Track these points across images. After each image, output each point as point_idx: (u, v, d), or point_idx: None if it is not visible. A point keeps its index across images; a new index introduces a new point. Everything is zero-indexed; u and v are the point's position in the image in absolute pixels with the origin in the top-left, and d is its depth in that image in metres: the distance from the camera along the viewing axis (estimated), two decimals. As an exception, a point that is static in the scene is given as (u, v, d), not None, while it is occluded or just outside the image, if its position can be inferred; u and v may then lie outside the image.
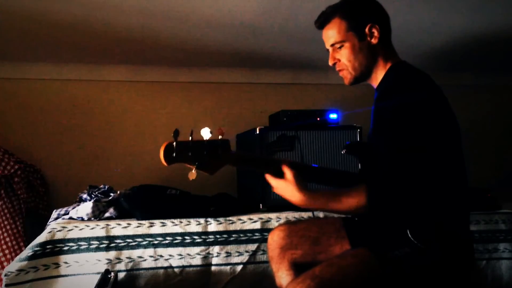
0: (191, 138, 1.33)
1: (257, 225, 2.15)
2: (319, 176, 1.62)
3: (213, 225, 2.12)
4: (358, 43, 1.59)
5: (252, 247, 2.13)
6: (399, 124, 1.41)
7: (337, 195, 1.45)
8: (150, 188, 2.40)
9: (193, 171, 1.35)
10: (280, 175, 1.48)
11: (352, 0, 1.65)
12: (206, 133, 1.35)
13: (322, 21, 1.66)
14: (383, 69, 1.61)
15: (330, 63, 1.66)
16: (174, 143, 1.31)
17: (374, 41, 1.59)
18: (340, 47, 1.62)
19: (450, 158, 1.48)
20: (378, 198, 1.40)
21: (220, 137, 1.38)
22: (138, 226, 2.06)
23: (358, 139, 2.48)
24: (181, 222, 2.11)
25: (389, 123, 1.44)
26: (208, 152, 1.35)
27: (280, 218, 2.18)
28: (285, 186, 1.46)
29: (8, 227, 2.61)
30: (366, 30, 1.59)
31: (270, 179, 1.49)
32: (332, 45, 1.63)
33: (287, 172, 1.46)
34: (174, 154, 1.31)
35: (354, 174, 1.77)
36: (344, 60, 1.62)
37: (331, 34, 1.63)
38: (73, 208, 2.27)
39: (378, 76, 1.63)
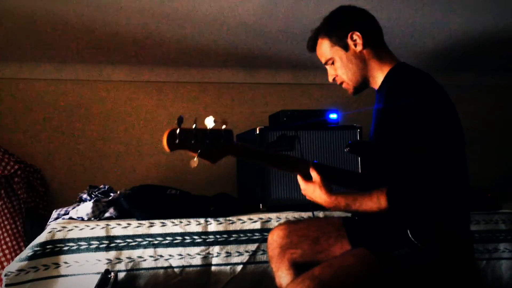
0: (195, 126, 1.33)
1: (257, 225, 2.15)
2: (339, 178, 1.64)
3: (213, 225, 2.12)
4: (345, 55, 1.63)
5: (252, 247, 2.13)
6: (409, 125, 1.42)
7: (359, 198, 1.47)
8: (150, 188, 2.40)
9: (195, 159, 1.35)
10: (307, 176, 1.54)
11: (330, 16, 1.70)
12: (209, 122, 1.35)
13: (311, 45, 1.74)
14: (380, 71, 1.62)
15: (330, 80, 1.72)
16: (178, 130, 1.31)
17: (358, 48, 1.62)
18: (332, 63, 1.68)
19: (453, 158, 1.48)
20: (399, 201, 1.41)
21: (223, 127, 1.38)
22: (138, 226, 2.06)
23: (358, 139, 2.48)
24: (181, 222, 2.11)
25: (398, 124, 1.44)
26: (211, 141, 1.35)
27: (280, 218, 2.18)
28: (313, 189, 1.51)
29: (8, 227, 2.61)
30: (348, 40, 1.62)
31: (300, 182, 1.56)
32: (325, 63, 1.70)
33: (315, 175, 1.51)
34: (177, 141, 1.31)
35: (370, 176, 1.78)
36: (339, 73, 1.67)
37: (320, 54, 1.71)
38: (73, 208, 2.27)
39: (376, 79, 1.63)
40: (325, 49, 1.67)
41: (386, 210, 1.42)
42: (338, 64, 1.65)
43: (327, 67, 1.71)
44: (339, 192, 1.51)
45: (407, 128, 1.42)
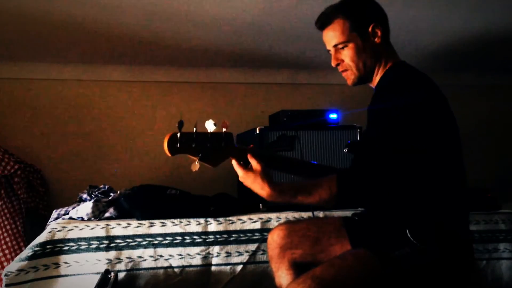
0: (195, 130, 1.33)
1: (257, 225, 2.15)
2: (290, 167, 1.61)
3: (213, 225, 2.12)
4: (362, 43, 1.58)
5: (252, 247, 2.13)
6: (394, 124, 1.41)
7: (307, 187, 1.41)
8: (150, 188, 2.40)
9: (196, 162, 1.35)
10: (247, 164, 1.43)
11: (353, 0, 1.64)
12: (210, 126, 1.35)
13: (323, 22, 1.63)
14: (383, 69, 1.61)
15: (333, 64, 1.64)
16: (179, 134, 1.31)
17: (377, 40, 1.58)
18: (343, 48, 1.60)
19: (448, 158, 1.47)
20: (349, 187, 1.39)
21: (224, 130, 1.38)
22: (138, 226, 2.06)
23: (358, 139, 2.48)
24: (181, 222, 2.11)
25: (385, 122, 1.44)
26: (211, 145, 1.36)
27: (280, 218, 2.18)
28: (253, 179, 1.40)
29: (8, 227, 2.61)
30: (369, 29, 1.58)
31: (237, 169, 1.43)
32: (335, 45, 1.61)
33: (254, 163, 1.41)
34: (178, 145, 1.32)
35: (329, 167, 1.75)
36: (347, 60, 1.60)
37: (333, 35, 1.60)
38: (73, 208, 2.27)
39: (378, 76, 1.62)
40: (342, 31, 1.58)
41: (336, 197, 1.38)
42: (351, 52, 1.58)
43: (333, 50, 1.63)
44: (282, 183, 1.42)
45: (395, 126, 1.41)
